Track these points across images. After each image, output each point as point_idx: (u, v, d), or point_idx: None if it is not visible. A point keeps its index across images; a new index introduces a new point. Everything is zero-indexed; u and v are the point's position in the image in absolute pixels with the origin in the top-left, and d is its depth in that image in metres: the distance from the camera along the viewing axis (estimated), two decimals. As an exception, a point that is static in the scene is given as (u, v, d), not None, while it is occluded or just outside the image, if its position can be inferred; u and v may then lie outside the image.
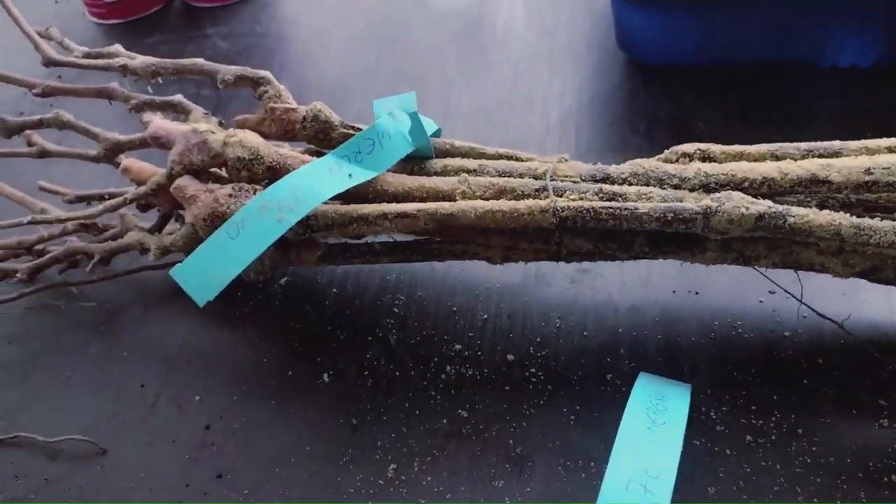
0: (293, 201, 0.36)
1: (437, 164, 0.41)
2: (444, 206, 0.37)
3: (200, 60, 0.44)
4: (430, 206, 0.37)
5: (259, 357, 0.45)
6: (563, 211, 0.36)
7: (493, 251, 0.39)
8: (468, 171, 0.40)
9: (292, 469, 0.39)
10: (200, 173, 0.40)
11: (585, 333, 0.43)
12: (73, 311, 0.49)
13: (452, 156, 0.42)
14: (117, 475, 0.41)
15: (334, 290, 0.47)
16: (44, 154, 0.48)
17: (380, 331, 0.45)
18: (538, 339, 0.43)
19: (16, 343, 0.48)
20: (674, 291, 0.44)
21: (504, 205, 0.36)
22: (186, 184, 0.39)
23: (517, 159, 0.41)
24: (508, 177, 0.39)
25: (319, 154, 0.43)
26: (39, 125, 0.47)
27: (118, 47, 0.46)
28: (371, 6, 0.71)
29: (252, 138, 0.39)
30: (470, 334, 0.44)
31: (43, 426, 0.43)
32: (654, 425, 0.31)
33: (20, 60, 0.64)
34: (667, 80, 0.57)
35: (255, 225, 0.35)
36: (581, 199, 0.36)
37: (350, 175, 0.37)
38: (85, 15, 0.78)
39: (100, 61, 0.44)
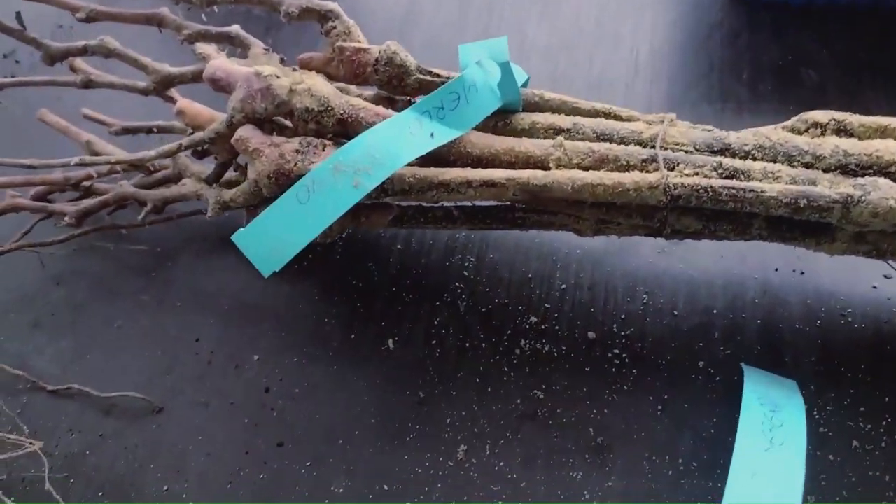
0: (369, 164, 0.31)
1: (525, 119, 0.36)
2: (537, 176, 0.32)
3: (260, -12, 0.39)
4: (522, 175, 0.33)
5: (319, 316, 0.42)
6: (675, 188, 0.31)
7: (584, 223, 0.35)
8: (561, 131, 0.35)
9: (357, 443, 0.37)
10: (263, 122, 0.36)
11: (676, 313, 0.39)
12: (122, 253, 0.47)
13: (542, 109, 0.37)
14: (173, 435, 0.39)
15: (399, 246, 0.44)
16: (89, 84, 0.44)
17: (448, 295, 0.42)
18: (622, 317, 0.39)
19: (64, 285, 0.46)
20: (776, 269, 0.40)
21: (606, 178, 0.32)
22: (249, 135, 0.35)
23: (616, 117, 0.37)
24: (609, 141, 0.34)
25: (391, 101, 0.38)
26: (84, 52, 0.43)
27: (168, -32, 0.41)
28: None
29: (321, 86, 0.35)
30: (547, 305, 0.40)
31: (97, 378, 0.42)
32: (771, 446, 0.27)
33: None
34: (774, 19, 0.50)
35: (328, 189, 0.31)
36: (696, 174, 0.32)
37: (432, 134, 0.33)
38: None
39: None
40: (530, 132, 0.36)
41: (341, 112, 0.35)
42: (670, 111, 0.46)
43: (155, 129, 0.48)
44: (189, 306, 0.44)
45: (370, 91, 0.40)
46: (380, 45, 0.38)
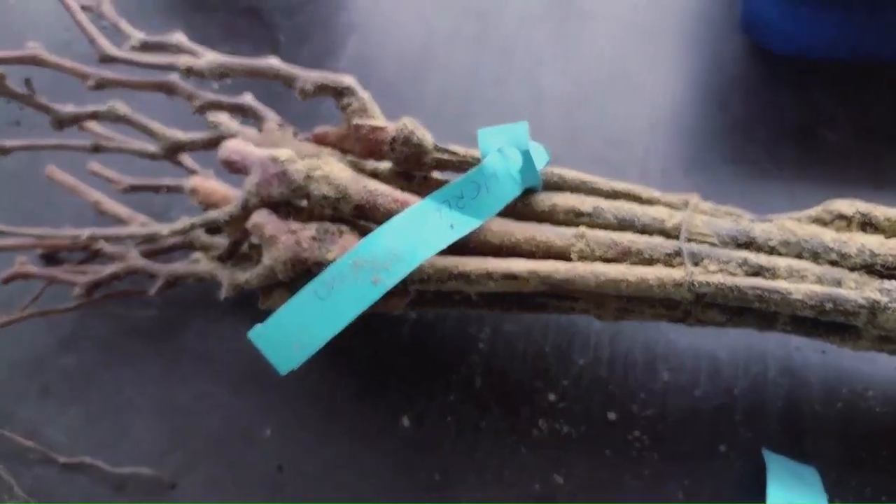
0: (389, 259, 0.31)
1: (545, 201, 0.35)
2: (560, 270, 0.32)
3: (275, 62, 0.38)
4: (544, 267, 0.32)
5: (332, 389, 0.42)
6: (700, 286, 0.31)
7: (605, 310, 0.34)
8: (581, 215, 0.35)
9: (372, 529, 0.37)
10: (278, 205, 0.35)
11: (697, 393, 0.39)
12: (131, 318, 0.46)
13: (561, 189, 0.36)
14: (187, 514, 0.39)
15: (412, 315, 0.43)
16: (98, 148, 0.44)
17: (464, 369, 0.41)
18: (642, 395, 0.39)
19: (73, 350, 0.45)
20: (798, 348, 0.39)
21: (630, 273, 0.31)
22: (265, 221, 0.34)
23: (637, 198, 0.36)
24: (630, 229, 0.34)
25: (407, 176, 0.38)
26: (93, 117, 0.42)
27: (180, 37, 0.40)
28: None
29: (338, 172, 0.34)
30: (564, 382, 0.40)
31: (108, 449, 0.41)
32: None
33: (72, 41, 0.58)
34: (794, 74, 0.49)
35: (348, 286, 0.31)
36: (721, 270, 0.31)
37: (452, 226, 0.32)
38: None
39: (161, 59, 0.38)
40: (550, 214, 0.35)
41: (358, 199, 0.34)
42: (688, 171, 0.46)
43: (165, 189, 0.48)
44: (200, 375, 0.43)
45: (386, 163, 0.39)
46: (395, 120, 0.37)
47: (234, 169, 0.35)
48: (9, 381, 0.45)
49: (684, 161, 0.47)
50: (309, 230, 0.34)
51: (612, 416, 0.38)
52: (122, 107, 0.42)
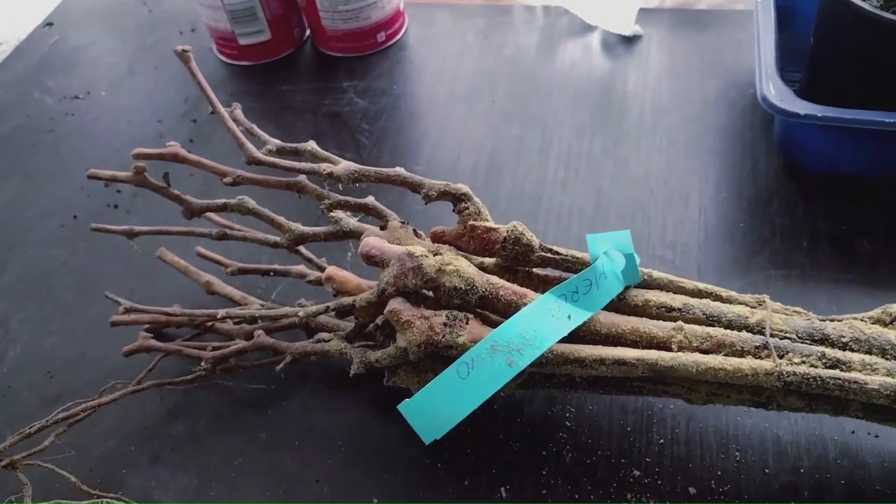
0: (521, 344, 0.36)
1: (638, 297, 0.41)
2: (664, 359, 0.37)
3: (403, 171, 0.44)
4: (650, 356, 0.37)
5: (432, 461, 0.45)
6: (788, 376, 0.36)
7: (695, 395, 0.40)
8: (672, 310, 0.40)
9: (480, 593, 0.40)
10: (410, 294, 0.40)
11: (767, 471, 0.43)
12: (238, 390, 0.50)
13: (650, 286, 0.42)
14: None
15: (501, 393, 0.48)
16: (224, 236, 0.49)
17: (553, 445, 0.45)
18: (718, 473, 0.43)
19: (182, 419, 0.49)
20: (853, 432, 0.44)
21: (727, 363, 0.36)
22: (401, 308, 0.39)
23: (717, 297, 0.42)
24: (718, 323, 0.39)
25: (512, 271, 0.43)
26: (223, 209, 0.48)
27: (313, 144, 0.47)
28: (508, 72, 0.71)
29: (466, 268, 0.39)
30: (647, 459, 0.44)
31: (221, 516, 0.44)
32: None
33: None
34: (827, 189, 0.56)
35: (485, 367, 0.35)
36: (804, 362, 0.37)
37: (569, 316, 0.37)
38: (212, 51, 0.79)
39: (300, 164, 0.44)
40: (643, 309, 0.41)
41: (483, 290, 0.39)
42: (742, 272, 0.52)
43: (272, 273, 0.53)
44: (306, 445, 0.47)
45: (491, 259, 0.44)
46: (506, 224, 0.43)
47: (372, 262, 0.41)
48: (121, 449, 0.48)
49: (737, 264, 0.53)
50: (440, 317, 0.39)
51: (692, 490, 0.43)
52: (250, 201, 0.47)
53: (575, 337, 0.38)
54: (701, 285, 0.42)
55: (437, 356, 0.40)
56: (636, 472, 0.44)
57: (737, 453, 0.44)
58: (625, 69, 0.69)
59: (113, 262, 0.60)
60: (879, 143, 0.52)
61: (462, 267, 0.39)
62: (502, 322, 0.41)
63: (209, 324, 0.50)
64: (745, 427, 0.45)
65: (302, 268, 0.52)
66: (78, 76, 0.79)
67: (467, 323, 0.39)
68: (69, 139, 0.72)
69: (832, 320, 0.39)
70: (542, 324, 0.37)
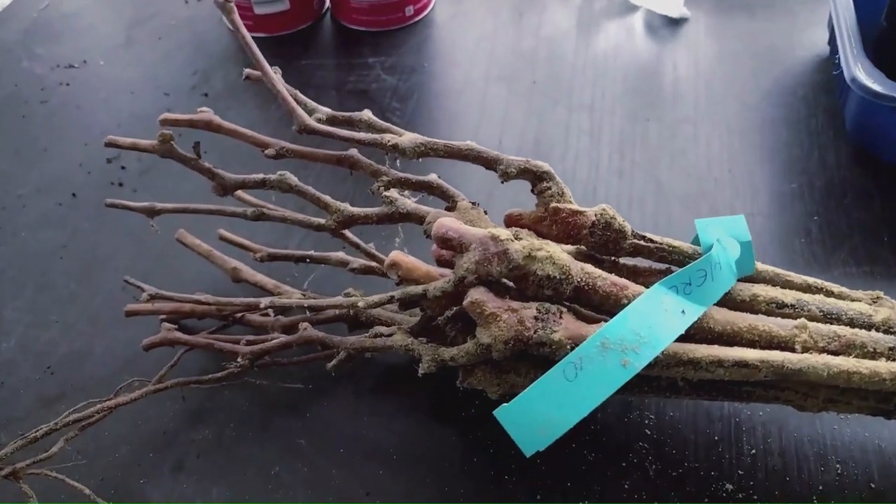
0: (636, 342, 0.31)
1: (744, 291, 0.36)
2: (792, 360, 0.32)
3: (474, 144, 0.39)
4: (774, 357, 0.33)
5: (499, 471, 0.40)
6: (931, 381, 0.32)
7: (811, 401, 0.35)
8: (783, 306, 0.36)
9: None
10: (490, 284, 0.35)
11: (873, 486, 0.39)
12: (273, 390, 0.44)
13: (754, 280, 0.38)
14: None
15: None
16: (261, 216, 0.43)
17: (634, 456, 0.41)
18: (820, 487, 0.39)
19: (208, 422, 0.43)
20: (960, 442, 0.41)
21: (861, 366, 0.32)
22: (484, 298, 0.34)
23: (828, 292, 0.37)
24: (837, 321, 0.35)
25: (596, 259, 0.38)
26: (262, 185, 0.42)
27: (369, 114, 0.41)
28: (547, 53, 0.66)
29: (559, 254, 0.34)
30: (740, 472, 0.40)
31: (259, 533, 0.39)
32: None
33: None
34: (899, 180, 0.53)
35: (597, 367, 0.31)
36: (945, 366, 0.32)
37: (683, 312, 0.33)
38: (223, 21, 0.72)
39: (359, 134, 0.39)
40: (750, 304, 0.36)
41: (578, 280, 0.35)
42: (823, 273, 0.48)
43: (307, 259, 0.47)
44: (352, 453, 0.42)
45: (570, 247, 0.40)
46: (594, 207, 0.38)
47: (448, 246, 0.35)
48: (138, 456, 0.42)
49: (816, 260, 0.49)
50: (530, 310, 0.34)
51: (794, 508, 0.38)
52: (292, 177, 0.42)
53: (685, 335, 0.34)
54: (810, 280, 0.38)
55: (523, 355, 0.35)
56: (729, 487, 0.39)
57: (837, 465, 0.40)
58: (673, 53, 0.65)
59: (120, 246, 0.54)
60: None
61: (555, 253, 0.34)
62: (597, 317, 0.36)
63: (240, 315, 0.45)
64: (844, 436, 0.41)
65: (342, 254, 0.47)
66: (70, 45, 0.72)
67: (561, 317, 0.34)
68: (64, 111, 0.65)
69: (962, 319, 0.35)
70: (656, 319, 0.32)
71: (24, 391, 0.46)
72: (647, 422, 0.42)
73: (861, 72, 0.47)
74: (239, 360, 0.40)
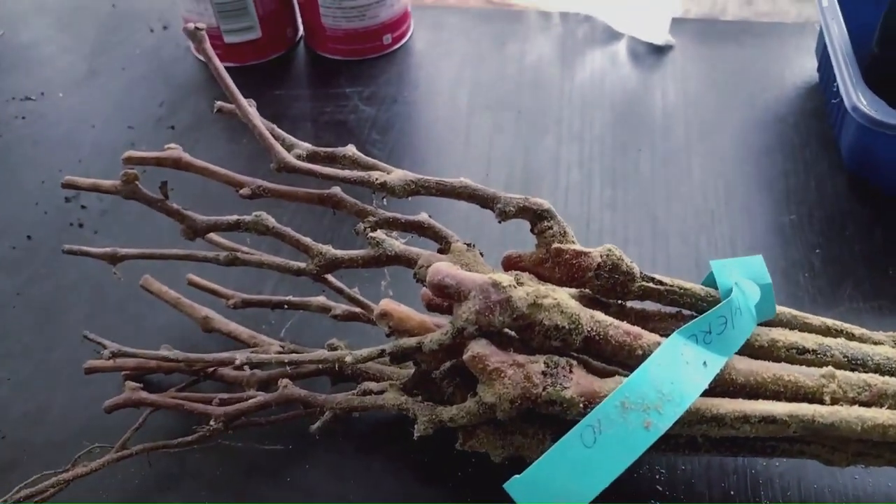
0: (658, 400, 0.28)
1: (762, 336, 0.34)
2: (822, 414, 0.30)
3: (469, 182, 0.36)
4: (805, 411, 0.30)
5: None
6: (972, 434, 0.29)
7: (839, 455, 0.33)
8: (804, 352, 0.33)
9: None
10: (492, 335, 0.32)
11: (901, 541, 0.37)
12: (249, 453, 0.40)
13: (771, 323, 0.35)
14: None
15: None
16: (235, 261, 0.39)
17: (645, 515, 0.38)
18: (845, 544, 0.36)
19: (177, 490, 0.39)
20: None
21: (897, 419, 0.30)
22: (486, 352, 0.31)
23: (849, 335, 0.35)
24: (863, 367, 0.33)
25: (601, 304, 0.36)
26: (236, 227, 0.38)
27: (353, 149, 0.38)
28: (532, 81, 0.64)
29: (567, 301, 0.32)
30: (759, 530, 0.37)
31: None
32: None
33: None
34: (897, 209, 0.51)
35: (617, 431, 0.28)
36: (984, 417, 0.30)
37: (705, 363, 0.30)
38: (190, 50, 0.69)
39: (344, 172, 0.36)
40: (769, 351, 0.34)
41: (589, 329, 0.32)
42: (829, 309, 0.46)
43: (285, 306, 0.44)
44: (339, 522, 0.38)
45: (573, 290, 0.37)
46: (598, 248, 0.35)
47: (445, 294, 0.32)
48: (99, 531, 0.38)
49: (822, 295, 0.47)
50: (537, 364, 0.31)
51: (820, 568, 0.36)
52: (269, 218, 0.39)
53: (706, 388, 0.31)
54: (829, 321, 0.35)
55: (530, 413, 0.32)
56: (749, 547, 0.36)
57: (863, 520, 0.37)
58: (661, 81, 0.63)
59: (79, 294, 0.49)
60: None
61: (563, 300, 0.31)
62: (607, 369, 0.33)
63: (211, 369, 0.41)
64: (866, 487, 0.38)
65: (323, 299, 0.43)
66: (28, 76, 0.68)
67: (571, 371, 0.31)
68: (20, 146, 0.61)
69: None
70: (678, 374, 0.29)
71: (-30, 458, 0.41)
72: (657, 477, 0.39)
73: (862, 101, 0.45)
74: (212, 422, 0.36)
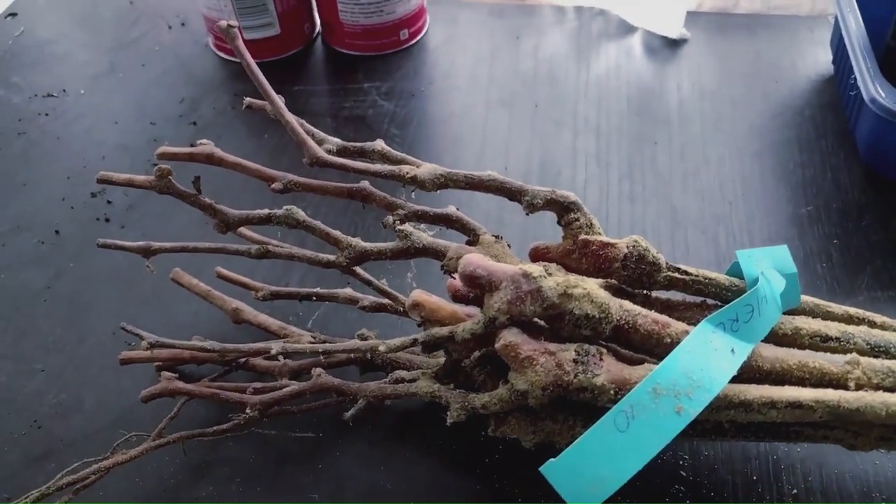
0: (689, 386, 0.29)
1: (786, 325, 0.35)
2: (848, 399, 0.31)
3: (496, 175, 0.37)
4: (830, 396, 0.31)
5: (528, 522, 0.38)
6: None
7: (863, 440, 0.33)
8: (828, 339, 0.34)
9: None
10: (523, 324, 0.33)
11: (922, 524, 0.37)
12: (281, 440, 0.41)
13: (794, 312, 0.36)
14: None
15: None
16: (266, 255, 0.40)
17: (670, 500, 0.38)
18: (867, 528, 0.37)
19: (211, 477, 0.40)
20: None
21: (921, 403, 0.30)
22: (518, 341, 0.32)
23: (871, 323, 0.36)
24: (885, 355, 0.33)
25: (626, 293, 0.36)
26: (267, 221, 0.39)
27: (382, 143, 0.39)
28: (547, 75, 0.65)
29: (597, 291, 0.32)
30: (783, 514, 0.38)
31: None
32: None
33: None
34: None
35: (649, 416, 0.28)
36: None
37: (732, 350, 0.31)
38: (209, 46, 0.70)
39: (374, 167, 0.37)
40: (793, 338, 0.34)
41: (618, 318, 0.32)
42: (847, 298, 0.47)
43: (314, 297, 0.45)
44: (370, 507, 0.39)
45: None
46: (624, 239, 0.36)
47: (477, 284, 0.33)
48: (136, 518, 0.39)
49: (840, 285, 0.48)
50: (568, 352, 0.32)
51: (843, 551, 0.36)
52: (300, 212, 0.39)
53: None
54: (851, 310, 0.36)
55: (559, 400, 0.33)
56: (773, 530, 0.37)
57: (883, 503, 0.38)
58: (676, 74, 0.63)
59: (108, 287, 0.50)
60: None
61: (592, 290, 0.32)
62: (636, 357, 0.34)
63: (243, 359, 0.42)
64: (887, 472, 0.39)
65: (350, 291, 0.44)
66: (49, 72, 0.69)
67: (602, 359, 0.32)
68: (44, 143, 0.62)
69: None
70: (707, 361, 0.30)
71: (8, 448, 0.42)
72: (681, 463, 0.40)
73: (880, 92, 0.46)
74: (248, 410, 0.37)
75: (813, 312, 0.36)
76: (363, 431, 0.42)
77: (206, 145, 0.39)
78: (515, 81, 0.64)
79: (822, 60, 0.63)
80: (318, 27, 0.70)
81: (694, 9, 0.71)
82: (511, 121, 0.61)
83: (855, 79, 0.48)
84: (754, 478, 0.39)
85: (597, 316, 0.32)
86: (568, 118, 0.60)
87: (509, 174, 0.56)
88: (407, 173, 0.36)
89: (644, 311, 0.33)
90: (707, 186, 0.54)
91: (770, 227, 0.51)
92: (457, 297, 0.40)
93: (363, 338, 0.40)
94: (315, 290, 0.45)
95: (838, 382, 0.32)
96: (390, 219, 0.38)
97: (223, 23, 0.36)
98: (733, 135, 0.58)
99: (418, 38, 0.69)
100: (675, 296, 0.37)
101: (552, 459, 0.29)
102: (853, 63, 0.49)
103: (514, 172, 0.56)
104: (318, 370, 0.37)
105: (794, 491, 0.39)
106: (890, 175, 0.52)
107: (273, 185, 0.39)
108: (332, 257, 0.40)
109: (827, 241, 0.50)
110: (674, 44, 0.67)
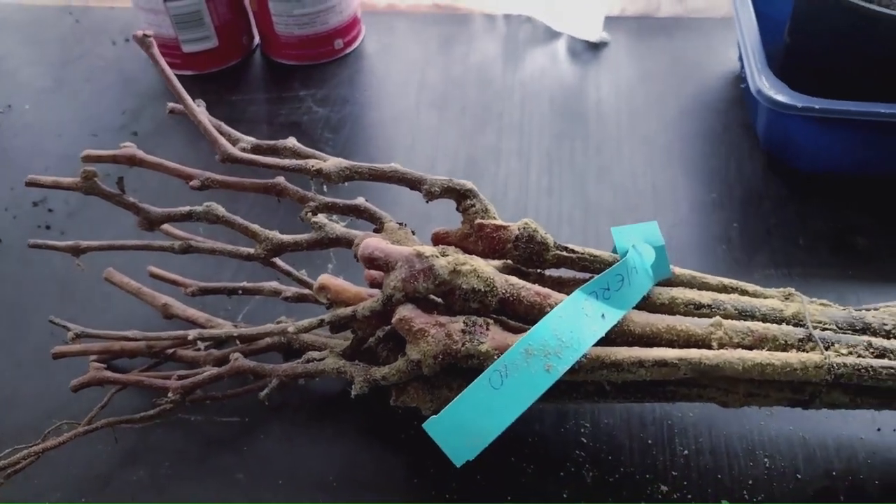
0: (558, 347, 0.32)
1: (663, 294, 0.38)
2: (708, 357, 0.34)
3: (398, 166, 0.40)
4: (692, 354, 0.34)
5: (441, 491, 0.40)
6: (838, 368, 0.33)
7: (732, 397, 0.36)
8: (701, 306, 0.37)
9: None
10: (417, 301, 0.36)
11: (799, 476, 0.40)
12: (207, 426, 0.44)
13: (672, 284, 0.39)
14: None
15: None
16: (188, 250, 0.43)
17: (571, 465, 0.41)
18: (750, 482, 0.40)
19: (142, 463, 0.42)
20: (879, 429, 0.42)
21: (773, 358, 0.34)
22: (411, 315, 0.34)
23: (743, 292, 0.39)
24: (751, 318, 0.37)
25: (522, 273, 0.39)
26: (188, 218, 0.42)
27: (293, 140, 0.42)
28: (476, 80, 0.68)
29: (484, 267, 0.35)
30: (674, 473, 0.41)
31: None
32: None
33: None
34: (813, 186, 0.55)
35: (521, 374, 0.31)
36: (851, 353, 0.34)
37: (603, 315, 0.34)
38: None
39: (284, 161, 0.39)
40: (670, 307, 0.37)
41: (503, 292, 0.35)
42: (744, 276, 0.50)
43: (240, 291, 0.47)
44: (293, 484, 0.41)
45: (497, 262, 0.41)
46: (517, 222, 0.39)
47: (375, 266, 0.36)
48: (70, 502, 0.41)
49: (738, 264, 0.51)
50: (457, 324, 0.35)
51: (725, 503, 0.39)
52: (219, 208, 0.42)
53: (606, 339, 0.35)
54: (726, 281, 0.39)
55: (453, 369, 0.36)
56: (664, 488, 0.40)
57: (765, 460, 0.41)
58: (596, 75, 0.67)
59: (46, 290, 0.52)
60: (870, 137, 0.52)
61: (479, 266, 0.35)
62: (523, 328, 0.37)
63: (171, 350, 0.44)
64: (770, 431, 0.42)
65: (275, 284, 0.47)
66: (-5, 89, 0.71)
67: (488, 328, 0.35)
68: (-11, 156, 0.64)
69: (867, 310, 0.37)
70: (577, 324, 0.33)
71: (-53, 443, 0.44)
72: (582, 430, 0.43)
73: (765, 83, 0.49)
74: (170, 395, 0.39)
75: (690, 284, 0.39)
76: (286, 414, 0.44)
77: (129, 147, 0.42)
78: (446, 86, 0.68)
79: (732, 59, 0.67)
80: (257, 39, 0.73)
81: (617, 14, 0.75)
82: (440, 123, 0.64)
83: (745, 72, 0.52)
84: (650, 441, 0.42)
85: (482, 289, 0.35)
86: (493, 119, 0.64)
87: (436, 172, 0.59)
88: (313, 167, 0.39)
89: (528, 284, 0.36)
90: (619, 179, 0.58)
91: (676, 214, 0.55)
92: (374, 285, 0.43)
93: (280, 324, 0.43)
94: (241, 284, 0.47)
95: (703, 343, 0.35)
96: (304, 211, 0.41)
97: (139, 32, 0.39)
98: (646, 131, 0.62)
99: (353, 46, 0.72)
100: (567, 273, 0.40)
101: (433, 416, 0.31)
102: (744, 58, 0.53)
103: (442, 170, 0.59)
104: (237, 355, 0.40)
105: (685, 452, 0.42)
106: (785, 161, 0.56)
107: (191, 183, 0.41)
108: (251, 250, 0.42)
109: (728, 225, 0.54)
110: (595, 47, 0.70)
